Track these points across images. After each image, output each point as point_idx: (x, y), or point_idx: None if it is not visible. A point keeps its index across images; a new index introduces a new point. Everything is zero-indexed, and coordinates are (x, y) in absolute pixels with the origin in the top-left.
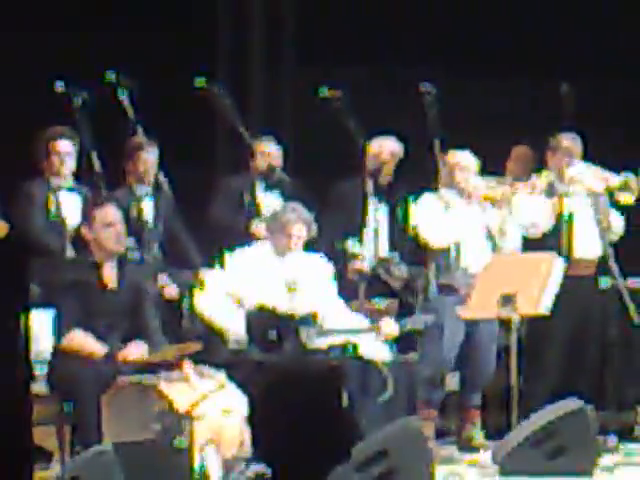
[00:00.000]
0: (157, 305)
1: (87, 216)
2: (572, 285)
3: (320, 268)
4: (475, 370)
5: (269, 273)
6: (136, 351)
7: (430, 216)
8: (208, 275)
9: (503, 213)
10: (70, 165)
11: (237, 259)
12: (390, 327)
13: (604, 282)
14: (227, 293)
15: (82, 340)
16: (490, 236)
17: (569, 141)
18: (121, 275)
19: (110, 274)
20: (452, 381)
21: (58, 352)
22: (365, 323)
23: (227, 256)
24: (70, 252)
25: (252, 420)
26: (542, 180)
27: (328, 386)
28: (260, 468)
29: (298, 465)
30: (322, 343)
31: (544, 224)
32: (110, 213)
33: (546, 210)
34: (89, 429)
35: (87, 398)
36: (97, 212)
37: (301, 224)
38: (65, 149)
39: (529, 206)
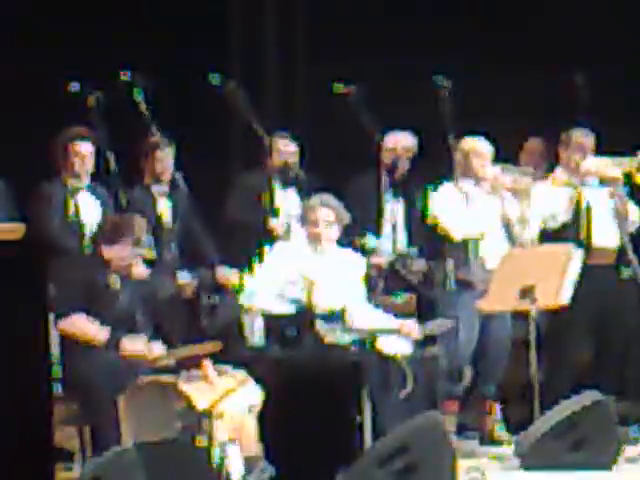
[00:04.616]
0: (175, 304)
1: (117, 237)
2: (592, 274)
3: (352, 264)
4: (488, 363)
5: (300, 267)
6: (136, 345)
7: (451, 208)
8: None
9: (524, 203)
10: (89, 166)
11: (274, 253)
12: (412, 330)
13: (625, 271)
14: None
15: (83, 324)
16: (508, 227)
17: (582, 136)
18: (125, 281)
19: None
20: (468, 375)
21: (70, 350)
22: (391, 321)
23: (266, 249)
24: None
25: (271, 417)
26: (558, 176)
27: (347, 384)
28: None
29: (314, 463)
30: (342, 338)
31: (563, 215)
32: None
33: (564, 201)
34: (108, 429)
35: (106, 398)
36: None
37: (326, 208)
38: (84, 150)
39: (547, 198)
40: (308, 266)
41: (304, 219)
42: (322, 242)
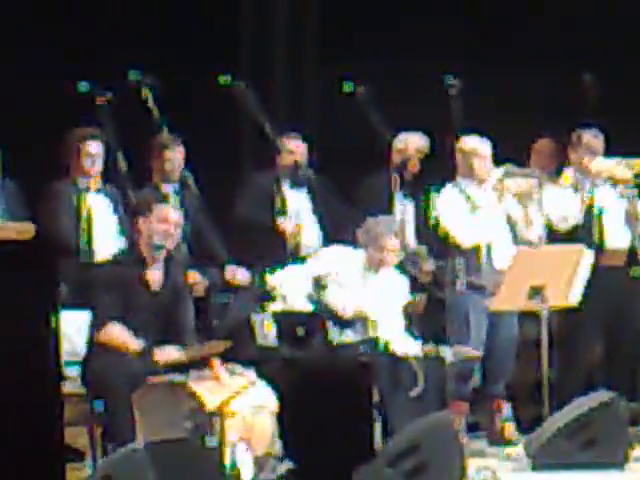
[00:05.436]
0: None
1: (144, 210)
2: (603, 275)
3: (400, 290)
4: (496, 362)
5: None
6: (169, 355)
7: (456, 216)
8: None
9: (528, 205)
10: (98, 166)
11: (326, 257)
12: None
13: (635, 271)
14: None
15: (119, 334)
16: (513, 227)
17: (591, 137)
18: (166, 276)
19: (155, 274)
20: (477, 376)
21: (91, 350)
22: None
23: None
24: (99, 252)
25: (281, 417)
26: (567, 178)
27: (357, 384)
28: (291, 465)
29: (326, 462)
30: (351, 337)
31: (574, 217)
32: (169, 212)
33: (575, 203)
34: (120, 428)
35: (118, 397)
36: (157, 209)
37: (394, 237)
38: (95, 150)
39: (558, 200)
40: (358, 284)
41: (367, 238)
42: (382, 268)
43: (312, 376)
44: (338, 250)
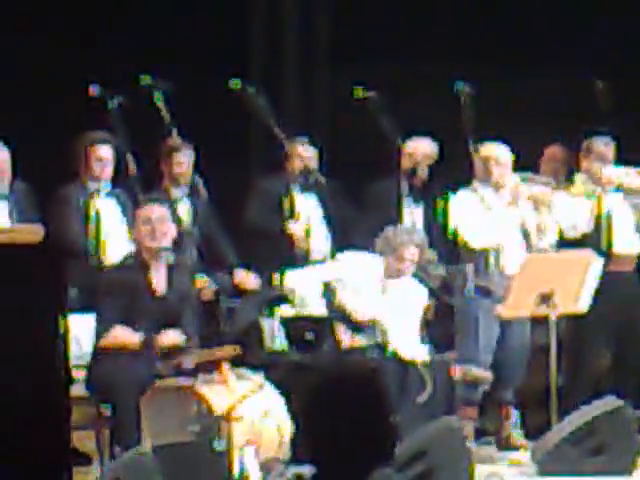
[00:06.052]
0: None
1: (134, 217)
2: (612, 281)
3: (417, 299)
4: (507, 369)
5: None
6: (172, 338)
7: (470, 217)
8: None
9: (542, 212)
10: (109, 170)
11: (345, 262)
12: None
13: None
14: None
15: (120, 333)
16: (526, 234)
17: (602, 145)
18: (170, 281)
19: (159, 278)
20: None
21: (97, 355)
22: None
23: (339, 254)
24: (109, 256)
25: (294, 422)
26: (578, 186)
27: (369, 387)
28: (299, 469)
29: (336, 467)
30: (359, 341)
31: (584, 226)
32: (149, 211)
33: (585, 211)
34: (128, 431)
35: (126, 400)
36: (139, 211)
37: (416, 248)
38: (105, 154)
39: (569, 208)
40: (374, 290)
41: (387, 247)
42: (400, 276)
43: (323, 381)
44: (357, 256)
